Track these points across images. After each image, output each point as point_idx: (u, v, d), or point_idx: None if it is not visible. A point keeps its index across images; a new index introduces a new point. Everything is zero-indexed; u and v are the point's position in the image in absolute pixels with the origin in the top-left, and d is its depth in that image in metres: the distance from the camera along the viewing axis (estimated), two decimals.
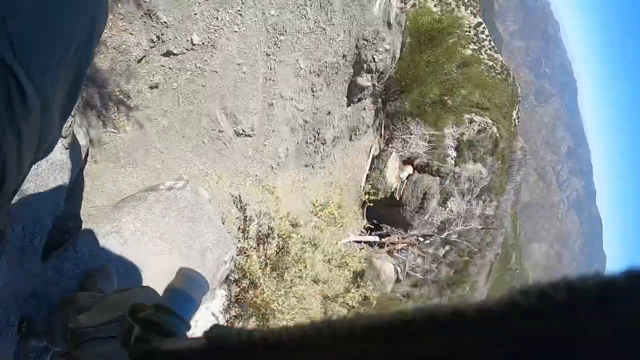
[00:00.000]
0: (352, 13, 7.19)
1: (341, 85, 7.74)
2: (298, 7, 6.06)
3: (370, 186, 11.07)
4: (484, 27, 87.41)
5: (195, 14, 4.93)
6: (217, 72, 5.45)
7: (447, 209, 15.39)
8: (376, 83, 8.72)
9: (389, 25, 8.60)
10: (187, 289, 0.98)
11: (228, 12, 5.23)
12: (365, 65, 7.73)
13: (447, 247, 18.31)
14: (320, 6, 6.43)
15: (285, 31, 5.99)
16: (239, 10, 5.33)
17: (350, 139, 9.71)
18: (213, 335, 0.54)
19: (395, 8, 8.87)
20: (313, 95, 6.99)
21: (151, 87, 5.03)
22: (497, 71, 77.65)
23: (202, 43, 5.15)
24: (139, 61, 4.74)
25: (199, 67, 5.30)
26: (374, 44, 7.61)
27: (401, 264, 13.02)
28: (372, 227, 12.31)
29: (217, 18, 5.16)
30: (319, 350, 0.39)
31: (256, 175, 6.84)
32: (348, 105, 8.23)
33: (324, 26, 6.63)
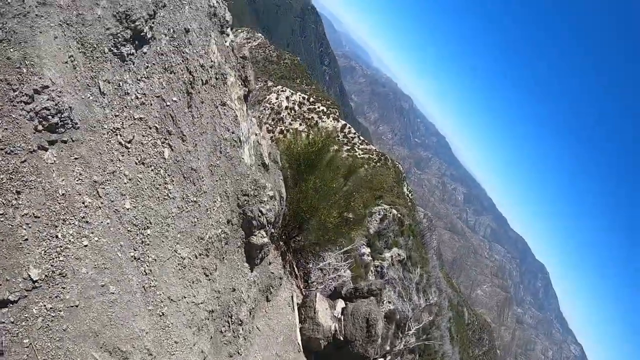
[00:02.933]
0: (221, 172, 6.38)
1: (236, 253, 6.73)
2: (157, 188, 5.10)
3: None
4: (349, 127, 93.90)
5: (26, 239, 3.73)
6: (77, 305, 4.19)
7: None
8: (273, 231, 7.81)
9: (265, 166, 7.93)
10: None
11: (70, 224, 4.09)
12: (255, 222, 6.85)
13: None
14: (184, 177, 5.54)
15: (150, 223, 4.95)
16: (84, 217, 4.20)
17: (268, 300, 8.55)
18: None
19: (265, 146, 8.26)
20: (209, 280, 5.87)
21: None
22: (375, 160, 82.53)
23: (46, 275, 3.92)
24: None
25: (52, 308, 4.01)
26: (256, 195, 6.80)
27: None
28: None
29: (57, 236, 3.99)
30: None
31: None
32: (252, 269, 7.18)
33: (195, 198, 5.70)
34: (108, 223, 4.46)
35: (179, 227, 5.34)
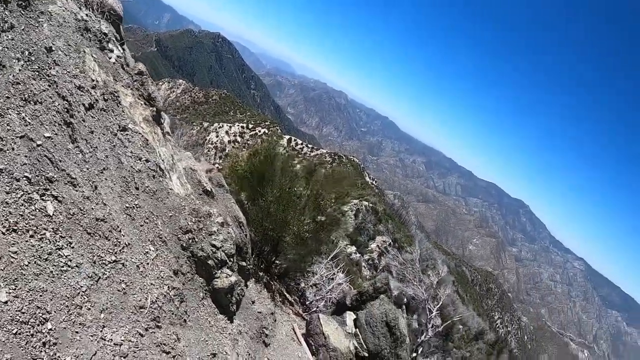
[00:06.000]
0: (145, 212, 4.82)
1: (201, 308, 5.13)
2: (45, 259, 3.49)
3: None
4: (294, 139, 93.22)
5: None
6: None
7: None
8: (243, 264, 6.25)
9: (209, 193, 6.39)
10: None
11: None
12: (211, 261, 5.26)
13: None
14: (88, 233, 3.96)
15: (48, 312, 3.34)
16: None
17: (266, 345, 6.95)
18: None
19: (201, 171, 6.73)
20: (173, 357, 4.25)
21: None
22: (329, 162, 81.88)
23: None
24: None
25: None
26: (201, 229, 5.25)
27: None
28: None
29: None
30: None
31: None
32: (231, 319, 5.57)
33: (114, 257, 4.12)
34: None
35: (100, 304, 3.74)
